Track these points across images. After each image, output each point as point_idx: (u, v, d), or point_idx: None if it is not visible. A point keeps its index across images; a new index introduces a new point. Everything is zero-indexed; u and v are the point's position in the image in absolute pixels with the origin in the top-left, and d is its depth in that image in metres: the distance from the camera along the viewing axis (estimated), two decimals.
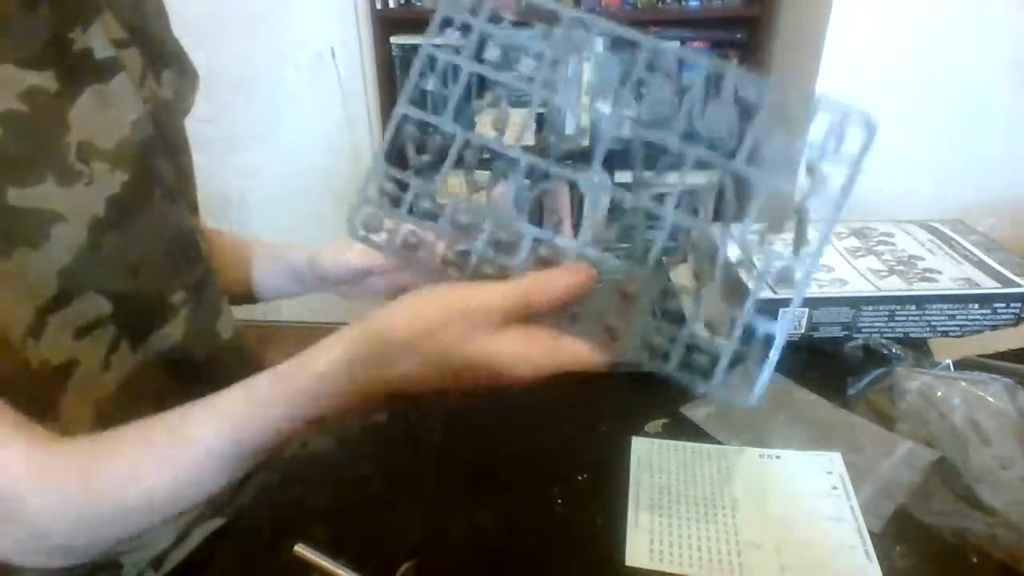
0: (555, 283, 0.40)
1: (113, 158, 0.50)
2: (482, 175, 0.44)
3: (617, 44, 0.40)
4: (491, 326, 0.39)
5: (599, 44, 1.72)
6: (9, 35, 0.45)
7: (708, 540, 0.49)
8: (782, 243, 0.39)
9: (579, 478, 0.55)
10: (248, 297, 0.75)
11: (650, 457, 0.57)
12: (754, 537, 0.50)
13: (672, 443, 0.58)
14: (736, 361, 0.38)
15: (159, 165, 0.55)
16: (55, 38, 0.48)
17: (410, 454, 0.60)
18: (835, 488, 0.54)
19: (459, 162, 0.43)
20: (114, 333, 0.53)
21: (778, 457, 0.57)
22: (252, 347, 0.69)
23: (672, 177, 0.41)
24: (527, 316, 0.39)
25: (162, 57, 0.59)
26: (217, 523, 0.66)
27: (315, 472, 0.59)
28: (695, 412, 0.62)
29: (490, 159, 0.43)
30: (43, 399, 0.49)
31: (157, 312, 0.56)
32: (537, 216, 1.19)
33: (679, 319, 0.40)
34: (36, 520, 0.43)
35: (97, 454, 0.44)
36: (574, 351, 0.39)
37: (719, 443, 0.59)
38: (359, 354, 0.41)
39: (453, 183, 0.45)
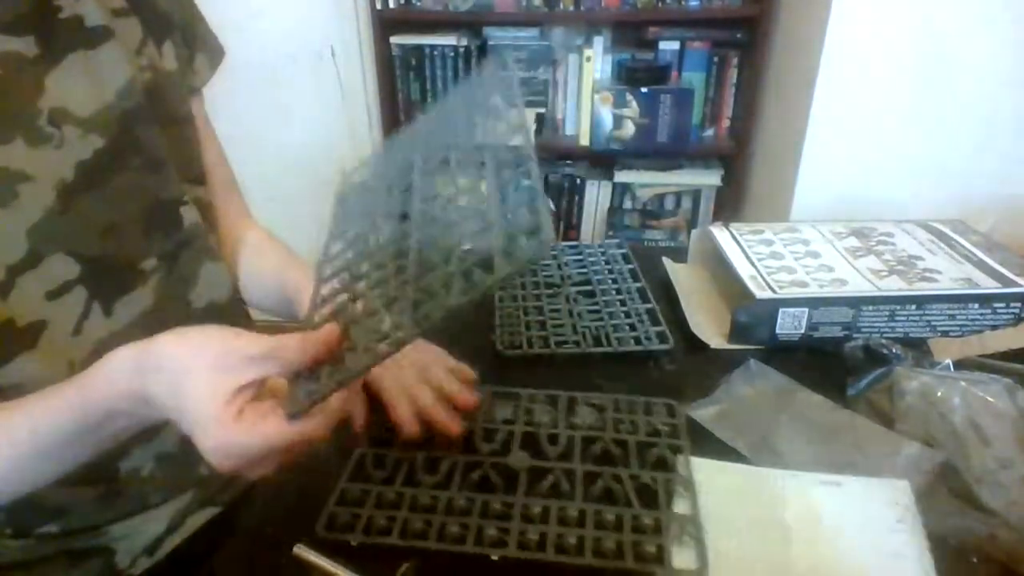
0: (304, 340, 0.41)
1: (88, 124, 0.52)
2: None
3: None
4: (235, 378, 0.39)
5: (599, 44, 1.72)
6: None
7: (755, 572, 0.46)
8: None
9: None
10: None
11: (700, 477, 0.53)
12: (806, 572, 0.46)
13: (726, 464, 0.55)
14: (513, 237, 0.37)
15: (143, 134, 0.56)
16: (40, 5, 0.49)
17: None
18: (900, 522, 0.49)
19: None
20: (86, 297, 0.54)
21: (838, 484, 0.53)
22: (237, 318, 0.68)
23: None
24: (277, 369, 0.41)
25: (165, 28, 0.60)
26: (210, 512, 0.66)
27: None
28: (700, 413, 0.62)
29: None
30: (4, 356, 0.50)
31: (127, 277, 0.57)
32: None
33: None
34: None
35: None
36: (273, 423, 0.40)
37: (743, 457, 0.57)
38: (142, 366, 0.42)
39: None
